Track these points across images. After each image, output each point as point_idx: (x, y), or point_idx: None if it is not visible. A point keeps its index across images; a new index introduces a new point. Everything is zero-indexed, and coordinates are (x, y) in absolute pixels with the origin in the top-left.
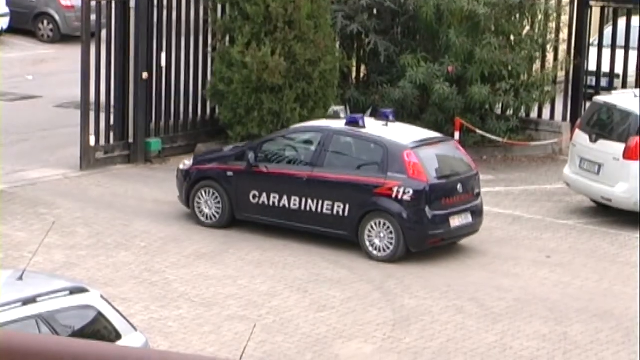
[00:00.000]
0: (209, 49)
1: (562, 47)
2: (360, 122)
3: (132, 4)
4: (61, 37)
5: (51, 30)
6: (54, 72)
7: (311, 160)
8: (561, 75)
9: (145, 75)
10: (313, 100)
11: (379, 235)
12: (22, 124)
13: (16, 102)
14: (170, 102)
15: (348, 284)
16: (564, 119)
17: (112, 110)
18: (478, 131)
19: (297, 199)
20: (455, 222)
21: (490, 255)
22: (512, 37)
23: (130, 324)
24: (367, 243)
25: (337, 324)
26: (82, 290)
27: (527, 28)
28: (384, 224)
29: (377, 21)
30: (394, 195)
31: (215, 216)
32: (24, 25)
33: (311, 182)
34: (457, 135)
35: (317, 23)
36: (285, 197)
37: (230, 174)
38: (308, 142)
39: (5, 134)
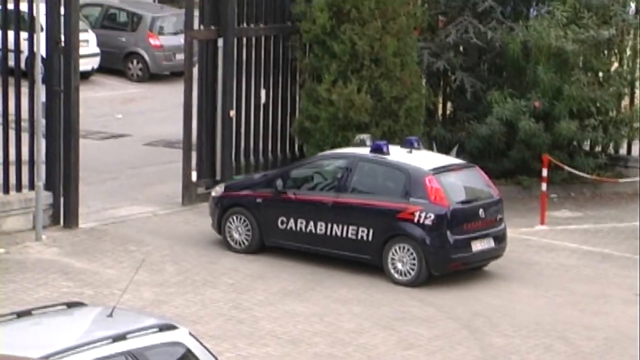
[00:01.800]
0: (296, 87)
1: None
2: (385, 149)
3: (220, 43)
4: (150, 76)
5: (140, 69)
6: (142, 111)
7: (337, 186)
8: None
9: (232, 113)
10: (399, 138)
11: (401, 259)
12: (112, 162)
13: (106, 141)
14: (258, 139)
15: (435, 322)
16: None
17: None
18: (566, 168)
19: (323, 225)
20: (477, 246)
21: (579, 293)
22: (600, 74)
23: None
24: (391, 267)
25: None
26: (171, 327)
27: (616, 64)
28: (407, 249)
29: (464, 58)
30: (415, 220)
31: (244, 242)
32: (114, 64)
33: (336, 207)
34: (544, 172)
35: (403, 60)
36: (311, 223)
37: (259, 200)
38: (334, 168)
39: (95, 172)
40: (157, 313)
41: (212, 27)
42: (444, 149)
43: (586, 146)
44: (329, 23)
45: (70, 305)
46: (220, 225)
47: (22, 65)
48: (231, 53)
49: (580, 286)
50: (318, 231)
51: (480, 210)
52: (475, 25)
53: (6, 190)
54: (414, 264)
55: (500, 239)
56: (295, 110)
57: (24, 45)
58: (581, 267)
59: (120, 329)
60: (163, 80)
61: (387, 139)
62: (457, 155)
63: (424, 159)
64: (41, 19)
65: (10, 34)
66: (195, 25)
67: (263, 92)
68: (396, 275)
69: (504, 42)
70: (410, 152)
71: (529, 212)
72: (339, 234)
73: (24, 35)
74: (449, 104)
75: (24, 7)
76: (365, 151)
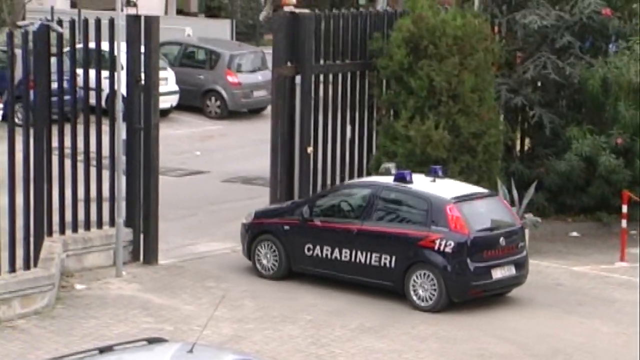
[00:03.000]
0: (373, 123)
1: None
2: (408, 178)
3: (298, 80)
4: (228, 114)
5: (218, 106)
6: (220, 148)
7: (361, 214)
8: None
9: (310, 149)
10: (477, 174)
11: (422, 285)
12: (190, 198)
13: (184, 178)
14: (335, 175)
15: (515, 359)
16: None
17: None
18: None
19: (348, 252)
20: (498, 274)
21: None
22: None
23: None
24: (412, 293)
25: None
26: None
27: None
28: (427, 275)
29: (542, 94)
30: (436, 248)
31: (273, 268)
32: (192, 102)
33: (360, 234)
34: (624, 208)
35: (481, 96)
36: (337, 250)
37: (286, 227)
38: (358, 197)
39: (174, 209)
40: (236, 349)
41: (291, 64)
42: (522, 185)
43: None
44: (407, 59)
45: (151, 341)
46: (249, 252)
47: (103, 103)
48: (308, 89)
49: None
50: (343, 258)
51: (501, 239)
52: (554, 60)
53: (87, 227)
54: (434, 290)
55: (521, 266)
56: (372, 146)
57: (105, 84)
58: None
59: None
60: (241, 118)
61: (465, 174)
62: (535, 192)
63: (446, 188)
64: (122, 57)
65: (92, 73)
66: (269, 63)
67: (349, 128)
68: (417, 301)
69: (583, 77)
70: (434, 180)
71: (609, 248)
72: (362, 261)
73: (104, 73)
74: (527, 140)
75: (105, 46)
76: (389, 180)
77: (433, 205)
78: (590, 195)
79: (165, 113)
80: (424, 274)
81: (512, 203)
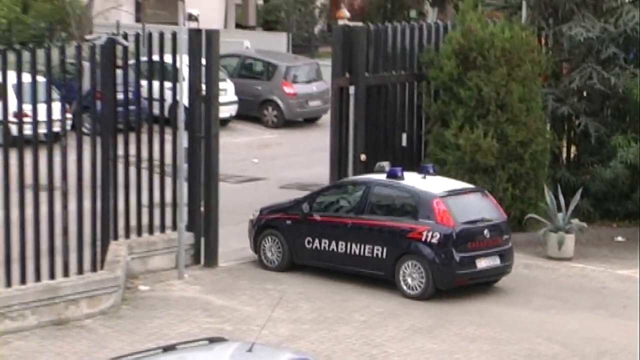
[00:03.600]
0: (424, 131)
1: None
2: (399, 174)
3: (352, 90)
4: (284, 123)
5: (275, 116)
6: (277, 155)
7: (356, 209)
8: None
9: (363, 157)
10: (525, 181)
11: (411, 275)
12: (249, 204)
13: (243, 184)
14: None
15: None
16: None
17: None
18: None
19: (344, 244)
20: (482, 264)
21: None
22: None
23: None
24: (402, 282)
25: None
26: None
27: None
28: (416, 265)
29: (587, 103)
30: (423, 239)
31: (276, 261)
32: (250, 112)
33: (355, 228)
34: None
35: (528, 106)
36: (333, 242)
37: (288, 222)
38: (354, 192)
39: (233, 214)
40: (293, 348)
41: (346, 75)
42: (568, 192)
43: None
44: (456, 70)
45: (212, 340)
46: (256, 246)
47: (166, 113)
48: (362, 99)
49: None
50: (339, 250)
51: (486, 231)
52: (599, 71)
53: (151, 231)
54: (422, 279)
55: (505, 257)
56: (421, 154)
57: (168, 95)
58: None
59: None
60: (296, 126)
61: (512, 181)
62: (581, 198)
63: (434, 184)
64: (184, 69)
65: (155, 84)
66: (326, 74)
67: (404, 136)
68: (407, 290)
69: (627, 87)
70: (424, 177)
71: None
72: (357, 252)
73: (167, 85)
74: (573, 148)
75: (168, 58)
76: (382, 176)
77: (421, 199)
78: (635, 201)
79: (224, 122)
80: (413, 264)
81: (559, 209)
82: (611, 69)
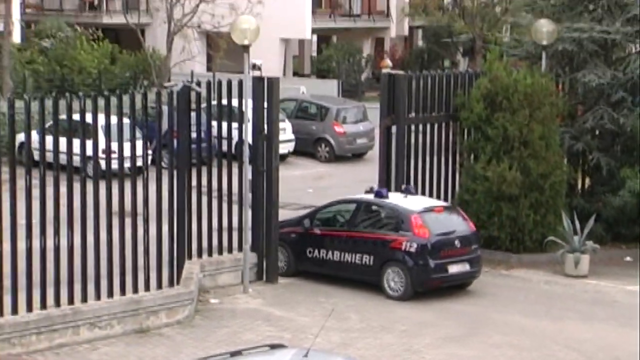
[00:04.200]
0: (457, 165)
1: None
2: (385, 194)
3: (394, 129)
4: (335, 158)
5: (327, 152)
6: (329, 186)
7: (348, 223)
8: None
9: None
10: (545, 208)
11: (393, 279)
12: None
13: (300, 211)
14: None
15: None
16: None
17: None
18: None
19: (338, 253)
20: (454, 269)
21: None
22: None
23: None
24: (386, 285)
25: None
26: None
27: None
28: (397, 271)
29: (599, 140)
30: (403, 248)
31: (283, 268)
32: (306, 148)
33: (348, 239)
34: None
35: (547, 143)
36: (330, 252)
37: (293, 235)
38: (347, 210)
39: None
40: (344, 354)
41: (390, 116)
42: (583, 218)
43: None
44: (485, 112)
45: (273, 346)
46: None
47: (233, 149)
48: (402, 137)
49: None
50: (334, 259)
51: (456, 241)
52: (610, 113)
53: (220, 251)
54: (402, 283)
55: (474, 263)
56: (455, 185)
57: (235, 134)
58: None
59: None
60: (346, 161)
61: (533, 208)
62: (595, 223)
63: (414, 202)
64: (248, 112)
65: (224, 125)
66: (371, 116)
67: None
68: (390, 292)
69: (635, 126)
70: (406, 196)
71: None
72: (350, 260)
73: (234, 125)
74: (587, 179)
75: (234, 102)
76: (370, 196)
77: (401, 215)
78: None
79: (283, 157)
80: (394, 270)
81: (575, 232)
82: (620, 110)
